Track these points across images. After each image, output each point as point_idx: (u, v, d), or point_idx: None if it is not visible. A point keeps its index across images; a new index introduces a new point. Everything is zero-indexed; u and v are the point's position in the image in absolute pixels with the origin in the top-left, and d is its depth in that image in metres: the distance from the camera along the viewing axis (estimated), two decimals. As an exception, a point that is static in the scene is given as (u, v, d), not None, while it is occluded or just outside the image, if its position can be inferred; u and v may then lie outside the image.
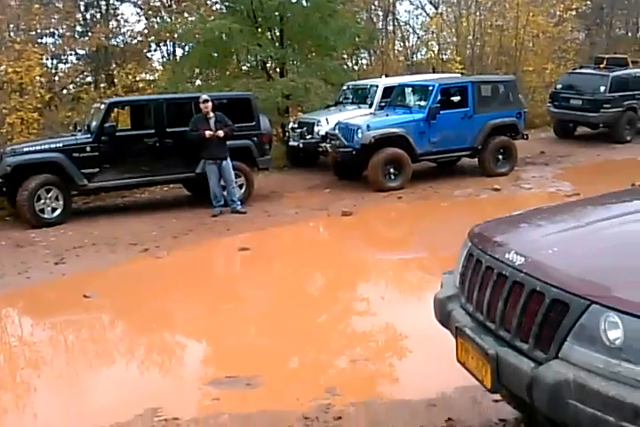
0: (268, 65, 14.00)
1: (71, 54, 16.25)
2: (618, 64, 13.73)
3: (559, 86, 13.91)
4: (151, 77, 16.74)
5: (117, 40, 16.92)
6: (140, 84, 15.48)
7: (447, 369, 3.47)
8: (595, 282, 2.04)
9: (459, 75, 13.48)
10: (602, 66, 13.63)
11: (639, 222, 2.50)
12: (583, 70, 14.03)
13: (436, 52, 19.24)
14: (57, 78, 15.38)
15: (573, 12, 18.97)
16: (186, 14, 15.39)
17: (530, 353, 2.13)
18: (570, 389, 1.92)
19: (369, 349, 4.32)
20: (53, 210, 8.18)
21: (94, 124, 8.60)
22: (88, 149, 8.37)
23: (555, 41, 18.68)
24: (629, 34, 23.35)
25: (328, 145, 10.20)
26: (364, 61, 19.79)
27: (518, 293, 2.24)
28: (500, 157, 10.32)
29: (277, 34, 13.46)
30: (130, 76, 15.25)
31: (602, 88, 12.87)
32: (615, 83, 12.96)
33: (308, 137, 11.14)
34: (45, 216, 8.11)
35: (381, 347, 4.40)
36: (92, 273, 6.26)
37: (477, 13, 18.68)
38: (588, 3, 19.76)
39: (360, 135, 9.52)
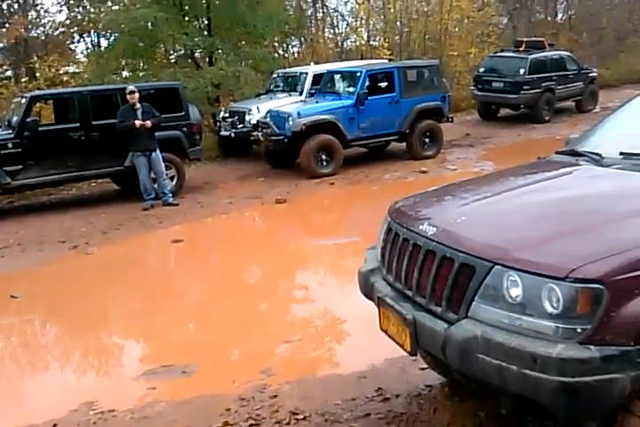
0: (197, 54, 13.81)
1: (-12, 47, 15.59)
2: (536, 47, 14.28)
3: (482, 70, 14.35)
4: (75, 70, 16.20)
5: (38, 31, 16.29)
6: (64, 77, 14.92)
7: (377, 345, 3.67)
8: (496, 245, 2.23)
9: (386, 61, 13.70)
10: (521, 49, 14.15)
11: (537, 192, 2.74)
12: (504, 53, 14.52)
13: (365, 38, 19.42)
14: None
15: (495, -3, 19.55)
16: (109, 3, 14.95)
17: (443, 315, 2.32)
18: (478, 344, 2.11)
19: (304, 332, 4.43)
20: (-25, 210, 7.92)
21: (15, 119, 8.30)
22: (10, 145, 8.09)
23: (478, 26, 19.21)
24: (548, 18, 24.23)
25: (260, 133, 10.20)
26: (295, 49, 19.80)
27: (431, 260, 2.42)
28: (427, 140, 10.62)
29: (205, 22, 13.28)
30: (52, 69, 14.70)
31: (521, 70, 13.36)
32: (533, 65, 13.47)
33: (239, 126, 11.07)
34: (-34, 217, 7.84)
35: (317, 330, 4.53)
36: (19, 273, 6.11)
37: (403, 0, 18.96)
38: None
39: (291, 123, 9.59)
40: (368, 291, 2.92)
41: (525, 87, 13.22)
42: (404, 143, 10.66)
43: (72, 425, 3.31)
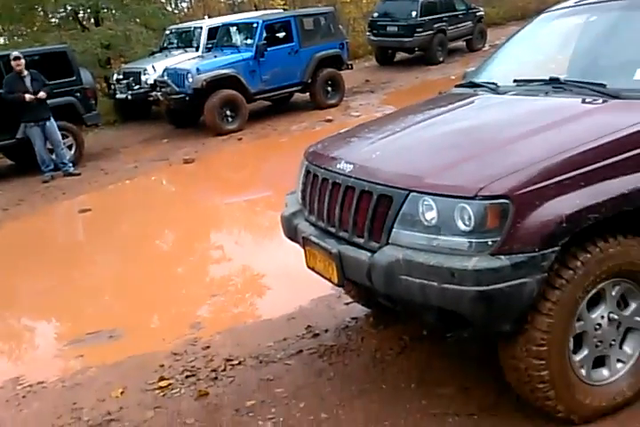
0: (80, 15, 13.02)
1: None
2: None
3: (375, 15, 14.43)
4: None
5: None
6: None
7: (302, 288, 3.85)
8: (410, 174, 2.35)
9: (281, 10, 13.47)
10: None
11: (441, 123, 2.90)
12: (395, -3, 14.61)
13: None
14: None
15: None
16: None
17: (366, 246, 2.42)
18: (400, 266, 2.24)
19: (228, 288, 4.44)
20: None
21: None
22: None
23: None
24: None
25: (159, 93, 9.89)
26: (184, 4, 19.08)
27: (351, 196, 2.51)
28: (329, 88, 10.66)
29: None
30: None
31: (413, 13, 13.55)
32: (424, 7, 13.69)
33: (135, 87, 10.69)
34: None
35: (239, 284, 4.55)
36: None
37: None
38: None
39: (191, 80, 9.34)
40: (292, 233, 2.98)
41: (418, 30, 13.47)
42: (308, 93, 10.64)
43: (-1, 402, 3.22)
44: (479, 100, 3.08)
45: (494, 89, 3.07)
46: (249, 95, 9.76)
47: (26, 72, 7.73)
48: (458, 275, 2.09)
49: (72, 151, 8.46)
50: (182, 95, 9.46)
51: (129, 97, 10.74)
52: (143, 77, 10.64)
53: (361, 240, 2.45)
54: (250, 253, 5.03)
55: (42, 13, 13.71)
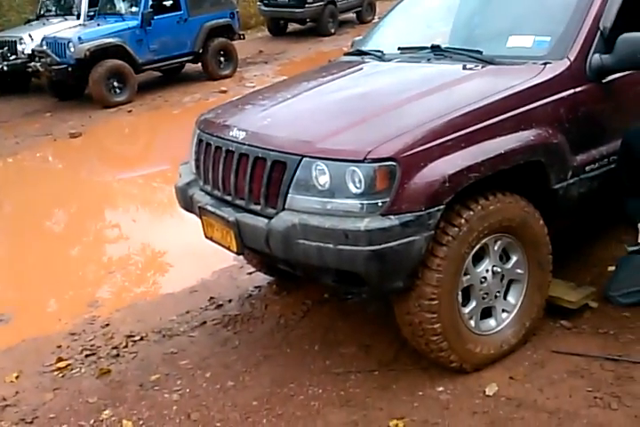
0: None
1: None
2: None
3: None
4: None
5: None
6: None
7: (203, 261, 3.84)
8: (302, 140, 2.38)
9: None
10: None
11: (331, 89, 2.95)
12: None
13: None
14: None
15: None
16: None
17: (263, 212, 2.44)
18: (296, 231, 2.28)
19: (126, 266, 4.32)
20: None
21: None
22: None
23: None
24: None
25: (38, 64, 9.31)
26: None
27: (245, 163, 2.51)
28: (222, 59, 10.44)
29: None
30: None
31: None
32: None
33: (11, 58, 10.05)
34: None
35: (140, 263, 4.43)
36: None
37: None
38: None
39: (72, 49, 8.87)
40: (188, 204, 2.94)
41: (309, 1, 13.38)
42: (200, 64, 10.39)
43: None
44: (366, 67, 3.17)
45: (380, 57, 3.17)
46: (137, 65, 9.38)
47: None
48: (351, 236, 2.16)
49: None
50: (64, 66, 8.97)
51: (4, 68, 10.05)
52: (19, 47, 10.02)
53: (257, 207, 2.47)
54: (147, 230, 4.92)
55: None
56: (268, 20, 14.61)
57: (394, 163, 2.16)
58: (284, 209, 2.36)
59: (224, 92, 9.31)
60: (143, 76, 9.80)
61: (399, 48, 3.12)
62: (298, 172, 2.31)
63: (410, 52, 3.06)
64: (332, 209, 2.24)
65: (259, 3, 14.36)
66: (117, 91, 9.12)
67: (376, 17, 15.24)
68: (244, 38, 11.18)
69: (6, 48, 10.10)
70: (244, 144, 2.53)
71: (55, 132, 7.93)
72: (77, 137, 7.65)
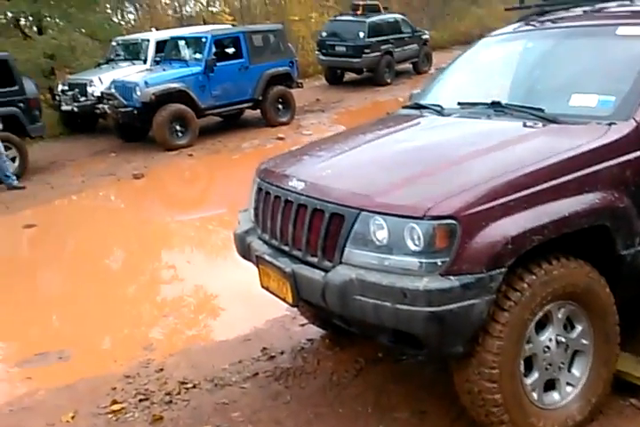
0: (22, 22, 12.69)
1: None
2: (372, 10, 14.81)
3: (324, 34, 14.64)
4: None
5: None
6: None
7: (257, 308, 3.85)
8: (360, 193, 2.39)
9: (230, 26, 13.50)
10: (359, 12, 14.58)
11: (390, 143, 2.97)
12: (343, 17, 14.90)
13: (204, 4, 18.92)
14: None
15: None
16: None
17: (320, 265, 2.44)
18: (354, 286, 2.26)
19: (180, 309, 4.37)
20: None
21: None
22: None
23: (315, -11, 19.40)
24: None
25: (106, 106, 9.74)
26: (131, 16, 18.88)
27: (303, 214, 2.53)
28: (280, 106, 10.72)
29: (28, -14, 12.19)
30: None
31: (361, 34, 13.82)
32: (372, 28, 13.99)
33: (82, 99, 10.51)
34: None
35: (192, 305, 4.47)
36: None
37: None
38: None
39: (139, 93, 9.24)
40: (245, 252, 2.98)
41: (366, 51, 13.70)
42: (259, 110, 10.68)
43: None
44: (425, 121, 3.18)
45: (439, 111, 3.17)
46: (199, 110, 9.72)
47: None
48: (410, 295, 2.13)
49: (15, 164, 8.22)
50: (130, 108, 9.35)
51: (75, 109, 10.55)
52: (89, 89, 10.47)
53: (314, 259, 2.47)
54: (202, 273, 4.97)
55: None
56: (325, 68, 14.97)
57: (454, 221, 2.13)
58: (341, 263, 2.36)
59: (281, 138, 9.55)
60: (204, 121, 10.14)
61: (459, 103, 3.13)
62: (355, 226, 2.31)
63: (469, 108, 3.06)
64: (389, 266, 2.22)
65: (317, 52, 14.78)
66: (179, 134, 9.45)
67: (432, 68, 15.50)
68: (302, 86, 11.45)
69: (77, 90, 10.60)
70: (303, 195, 2.55)
71: (119, 173, 8.24)
72: (140, 178, 7.93)
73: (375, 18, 14.39)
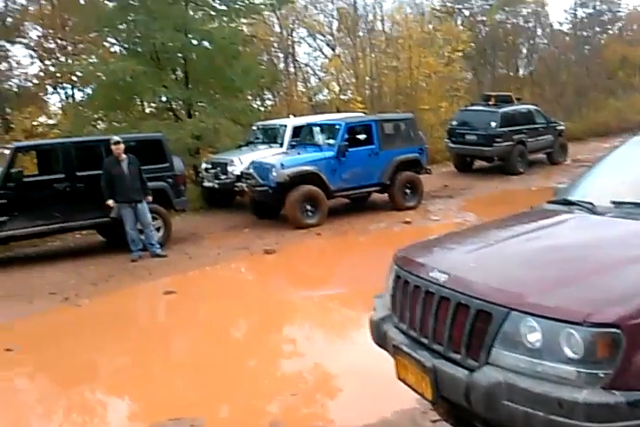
0: (175, 106, 14.05)
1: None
2: (504, 101, 14.96)
3: (454, 123, 14.89)
4: (51, 121, 16.25)
5: (10, 83, 16.38)
6: (40, 129, 14.92)
7: (384, 395, 3.75)
8: (512, 291, 2.31)
9: (362, 114, 14.13)
10: (490, 103, 14.78)
11: (540, 239, 2.88)
12: (474, 107, 15.11)
13: (337, 92, 20.02)
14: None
15: (460, 54, 20.45)
16: (84, 56, 15.24)
17: (463, 362, 2.36)
18: (502, 390, 2.15)
19: (303, 386, 4.39)
20: (-40, 262, 7.79)
21: (-1, 170, 8.31)
22: (-5, 196, 8.07)
23: (446, 80, 20.00)
24: (510, 73, 25.45)
25: (244, 184, 10.32)
26: (269, 102, 20.30)
27: (446, 307, 2.47)
28: (408, 191, 10.88)
29: (182, 75, 13.57)
30: (29, 121, 14.76)
31: (493, 123, 13.91)
32: (504, 118, 14.06)
33: (222, 177, 11.22)
34: (-49, 270, 7.69)
35: (315, 383, 4.48)
36: (11, 325, 5.99)
37: (372, 55, 19.71)
38: (472, 45, 21.41)
39: (275, 174, 9.75)
40: (381, 340, 2.95)
41: (498, 140, 13.72)
42: (386, 194, 10.88)
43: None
44: (576, 219, 3.05)
45: (591, 209, 3.03)
46: (329, 192, 10.09)
47: (124, 156, 8.25)
48: (566, 407, 2.00)
49: (160, 233, 8.82)
50: (266, 188, 9.86)
51: (215, 186, 11.28)
52: (230, 168, 11.16)
53: (457, 356, 2.39)
54: (323, 351, 5.01)
55: (139, 103, 14.85)
56: (454, 156, 15.09)
57: (618, 330, 2.00)
58: (487, 363, 2.26)
59: (408, 222, 9.61)
60: (333, 202, 10.47)
61: (613, 202, 2.99)
62: (505, 325, 2.23)
63: (626, 207, 2.91)
64: (542, 372, 2.11)
65: (446, 140, 15.00)
66: (310, 214, 9.80)
67: (568, 159, 15.14)
68: (430, 173, 11.58)
69: (219, 168, 11.37)
70: (446, 287, 2.51)
71: (252, 247, 8.61)
72: (271, 253, 8.23)
73: (507, 108, 14.48)
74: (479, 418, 2.46)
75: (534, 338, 2.15)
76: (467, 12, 24.64)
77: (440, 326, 2.50)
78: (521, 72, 26.16)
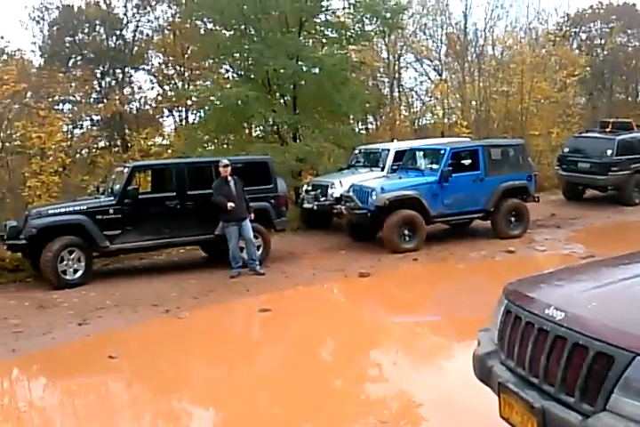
0: (281, 130, 14.44)
1: (86, 120, 16.85)
2: (623, 128, 14.09)
3: (566, 150, 14.23)
4: (165, 142, 17.20)
5: (131, 106, 17.56)
6: (153, 149, 15.81)
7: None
8: (638, 335, 2.13)
9: (467, 139, 13.85)
10: (607, 129, 14.00)
11: None
12: (589, 134, 14.38)
13: (441, 116, 19.80)
14: (71, 143, 15.59)
15: (575, 78, 19.64)
16: (199, 82, 16.07)
17: (576, 406, 2.21)
18: None
19: (388, 412, 4.29)
20: (75, 271, 8.31)
21: (117, 187, 8.85)
22: (111, 211, 8.59)
23: (559, 106, 19.24)
24: (629, 98, 24.10)
25: (343, 207, 10.37)
26: (371, 126, 20.42)
27: (560, 347, 2.33)
28: (513, 219, 10.44)
29: (290, 100, 13.97)
30: (146, 141, 15.70)
31: (608, 151, 13.16)
32: (621, 146, 13.26)
33: (322, 199, 11.35)
34: (67, 277, 8.23)
35: (398, 413, 4.33)
36: (116, 334, 6.32)
37: (481, 79, 19.38)
38: (589, 69, 20.50)
39: (375, 197, 9.72)
40: (485, 376, 2.83)
41: (614, 168, 12.97)
42: (489, 221, 10.53)
43: None
44: None
45: None
46: (428, 217, 9.90)
47: (231, 177, 8.58)
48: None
49: (260, 251, 9.03)
50: (365, 211, 9.84)
51: (315, 207, 11.42)
52: (330, 191, 11.28)
53: (570, 399, 2.25)
54: (412, 379, 4.90)
55: (248, 126, 15.40)
56: (564, 184, 14.41)
57: None
58: (605, 409, 2.10)
59: (512, 252, 9.21)
60: (432, 227, 10.28)
61: None
62: (628, 370, 2.07)
63: None
64: None
65: (556, 167, 14.37)
66: (407, 238, 9.65)
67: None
68: (538, 201, 11.06)
69: (319, 191, 11.53)
70: (563, 326, 2.38)
71: (347, 269, 8.60)
72: (366, 277, 8.17)
73: (626, 135, 13.65)
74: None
75: None
76: (584, 36, 23.71)
77: (553, 366, 2.37)
78: (640, 97, 24.71)
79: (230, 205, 8.37)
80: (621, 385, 2.08)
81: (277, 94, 14.05)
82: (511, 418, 2.56)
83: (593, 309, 2.43)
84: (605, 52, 22.63)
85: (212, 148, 14.57)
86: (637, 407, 2.02)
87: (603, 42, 22.75)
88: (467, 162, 10.37)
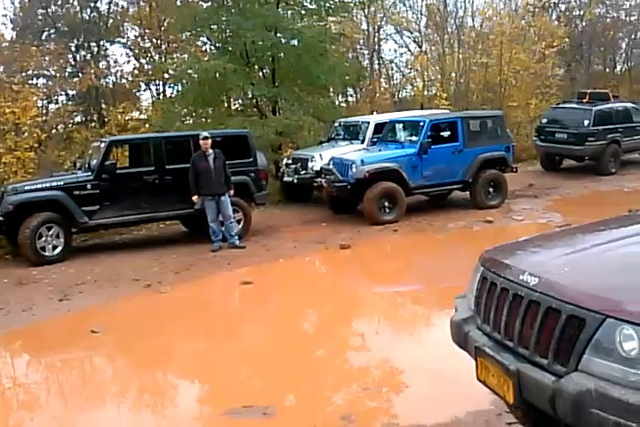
0: (260, 103, 14.30)
1: (61, 94, 16.49)
2: (600, 99, 14.21)
3: (544, 121, 14.32)
4: (142, 116, 16.95)
5: (107, 80, 17.20)
6: (130, 123, 15.57)
7: (455, 395, 3.69)
8: (608, 298, 2.20)
9: (447, 111, 13.85)
10: (585, 100, 14.09)
11: (637, 245, 2.69)
12: (567, 105, 14.48)
13: (420, 88, 19.74)
14: (46, 118, 15.30)
15: (554, 49, 19.64)
16: (176, 55, 15.77)
17: (550, 367, 2.27)
18: (592, 398, 2.06)
19: (371, 380, 4.38)
20: (54, 247, 8.27)
21: (94, 162, 8.74)
22: (89, 186, 8.50)
23: (537, 77, 19.26)
24: (607, 69, 24.18)
25: (323, 180, 10.38)
26: (351, 98, 20.29)
27: (534, 311, 2.40)
28: (491, 189, 10.56)
29: (269, 73, 13.80)
30: (122, 115, 15.45)
31: (585, 122, 13.27)
32: (598, 117, 13.39)
33: (302, 172, 11.35)
34: (46, 254, 8.18)
35: (384, 378, 4.43)
36: (97, 309, 6.32)
37: (461, 51, 19.29)
38: (567, 40, 20.49)
39: (355, 170, 9.74)
40: (462, 341, 2.90)
41: (590, 139, 13.11)
42: (467, 192, 10.63)
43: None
44: None
45: None
46: (408, 189, 9.96)
47: (210, 151, 8.51)
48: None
49: (240, 225, 9.04)
50: (345, 184, 9.87)
51: (295, 181, 11.44)
52: (310, 164, 11.28)
53: (544, 361, 2.31)
54: (393, 347, 4.98)
55: (226, 100, 15.20)
56: (542, 154, 14.54)
57: None
58: (576, 369, 2.17)
59: (490, 222, 9.32)
60: (411, 199, 10.34)
61: None
62: (598, 332, 2.13)
63: None
64: (637, 382, 1.99)
65: (534, 137, 14.47)
66: (387, 210, 9.72)
67: (667, 159, 14.26)
68: (516, 171, 11.18)
69: (299, 164, 11.52)
70: (536, 291, 2.43)
71: (327, 242, 8.64)
72: (346, 248, 8.23)
73: (603, 106, 13.78)
74: (561, 424, 2.37)
75: (630, 347, 2.06)
76: (562, 7, 23.61)
77: (527, 329, 2.44)
78: (618, 68, 24.80)
79: (194, 199, 8.40)
80: (592, 346, 2.14)
81: (256, 67, 13.87)
82: (487, 380, 2.63)
83: (566, 274, 2.48)
84: (584, 24, 22.59)
85: (191, 122, 14.36)
86: (607, 367, 2.09)
87: (581, 13, 22.68)
88: (446, 134, 10.40)
